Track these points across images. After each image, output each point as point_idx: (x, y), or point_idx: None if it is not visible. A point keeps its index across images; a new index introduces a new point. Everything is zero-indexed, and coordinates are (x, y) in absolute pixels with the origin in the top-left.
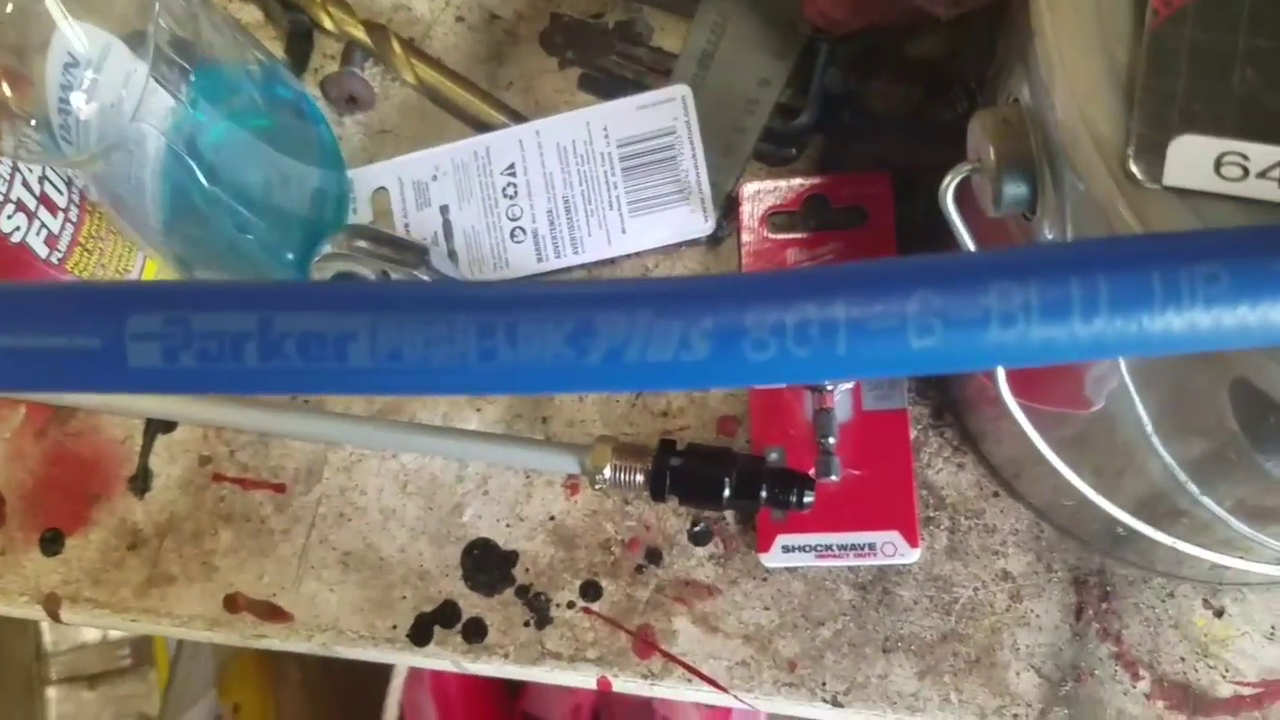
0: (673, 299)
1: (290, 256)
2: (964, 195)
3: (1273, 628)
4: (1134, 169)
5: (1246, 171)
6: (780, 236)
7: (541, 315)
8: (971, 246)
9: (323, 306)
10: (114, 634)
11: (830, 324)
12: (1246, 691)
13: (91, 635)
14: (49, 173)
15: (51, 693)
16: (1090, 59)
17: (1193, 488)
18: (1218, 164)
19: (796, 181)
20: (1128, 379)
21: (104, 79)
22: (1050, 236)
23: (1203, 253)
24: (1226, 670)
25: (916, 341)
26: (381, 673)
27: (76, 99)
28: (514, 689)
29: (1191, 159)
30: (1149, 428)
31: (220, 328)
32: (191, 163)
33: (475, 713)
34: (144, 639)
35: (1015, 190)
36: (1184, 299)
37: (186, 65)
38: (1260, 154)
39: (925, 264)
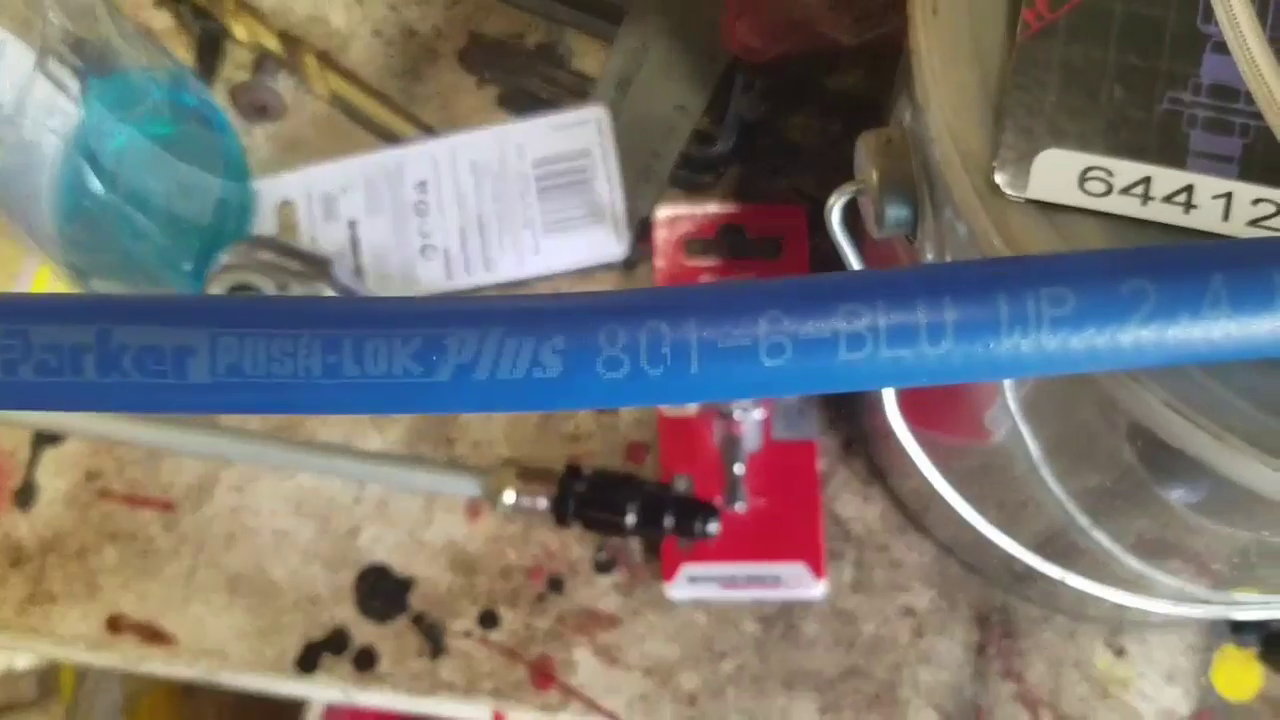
0: (525, 315)
1: (188, 267)
2: (855, 218)
3: (1171, 669)
4: (998, 181)
5: (1110, 187)
6: (695, 263)
7: (389, 330)
8: (857, 267)
9: (162, 319)
10: (19, 665)
11: (682, 343)
12: None
13: None
14: None
15: None
16: (961, 73)
17: (1083, 521)
18: (1082, 179)
19: (713, 209)
20: (1015, 410)
21: None
22: (930, 258)
23: (1050, 276)
24: (1126, 711)
25: (768, 361)
26: (298, 712)
27: None
28: None
29: (1056, 173)
30: (1037, 460)
31: (59, 340)
32: (87, 168)
33: None
34: (50, 671)
35: (896, 212)
36: (1030, 322)
37: (80, 64)
38: (1124, 170)
39: (777, 285)
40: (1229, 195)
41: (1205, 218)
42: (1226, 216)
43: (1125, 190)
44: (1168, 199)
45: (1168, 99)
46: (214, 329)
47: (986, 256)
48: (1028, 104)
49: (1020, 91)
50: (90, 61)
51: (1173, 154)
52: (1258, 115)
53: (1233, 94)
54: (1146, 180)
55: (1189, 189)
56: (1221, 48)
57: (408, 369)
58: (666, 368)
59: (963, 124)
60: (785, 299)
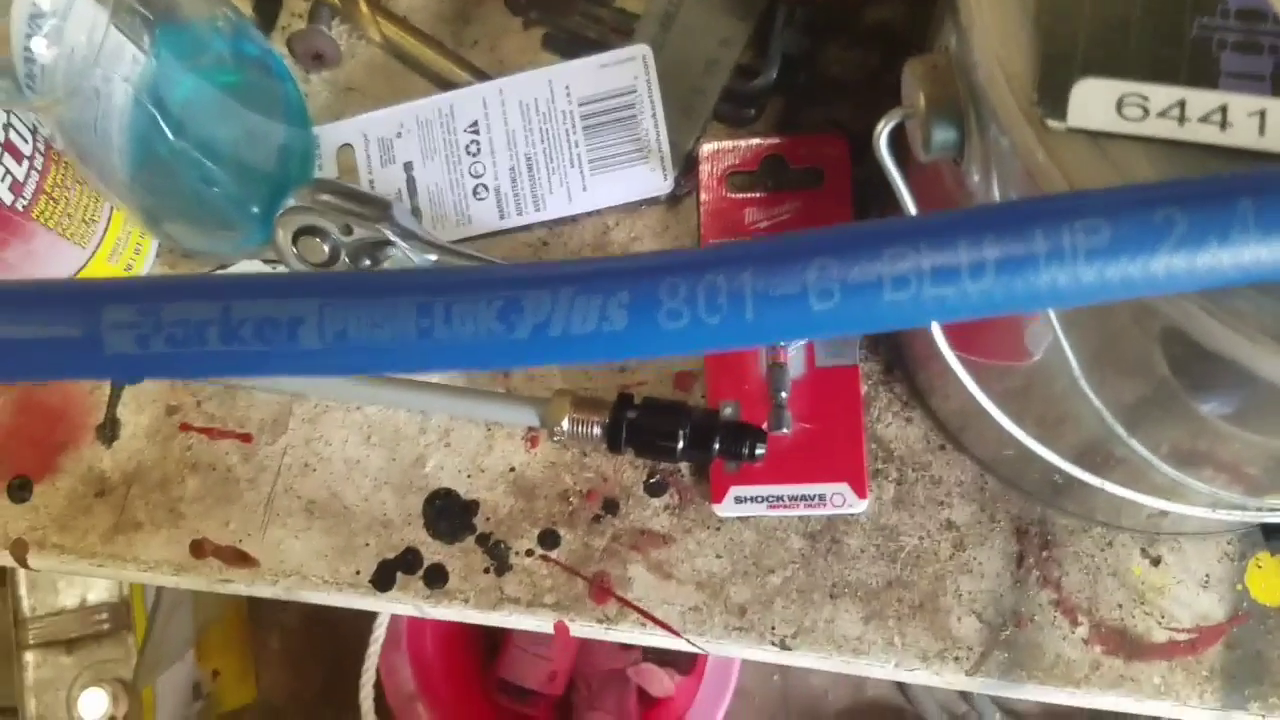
0: (592, 275)
1: (255, 210)
2: (900, 143)
3: (1207, 576)
4: (1039, 113)
5: (1147, 111)
6: (738, 196)
7: (474, 294)
8: (904, 189)
9: (276, 294)
10: (92, 598)
11: (737, 292)
12: (1181, 637)
13: (70, 600)
14: (14, 121)
15: (29, 657)
16: (1003, 2)
17: (1121, 430)
18: (1119, 105)
19: (755, 142)
20: (1057, 326)
21: (67, 25)
22: (977, 179)
23: (1083, 209)
24: (1162, 616)
25: (818, 305)
26: (360, 641)
27: (38, 44)
28: (490, 655)
29: (1094, 101)
30: (1078, 373)
31: (186, 315)
32: (157, 115)
33: (452, 678)
34: (122, 604)
35: (943, 135)
36: (1066, 255)
37: (149, 15)
38: (1159, 94)
39: (824, 234)
40: (1263, 112)
41: (1241, 134)
42: (1262, 131)
43: (1162, 114)
44: (1203, 119)
45: (1198, 25)
46: (322, 299)
47: (1034, 177)
48: (1061, 37)
49: (1053, 25)
50: (157, 12)
51: (1205, 76)
52: None
53: (1261, 16)
54: (1181, 103)
55: (1223, 108)
56: None
57: (491, 329)
58: (723, 317)
59: (1006, 47)
60: (832, 246)
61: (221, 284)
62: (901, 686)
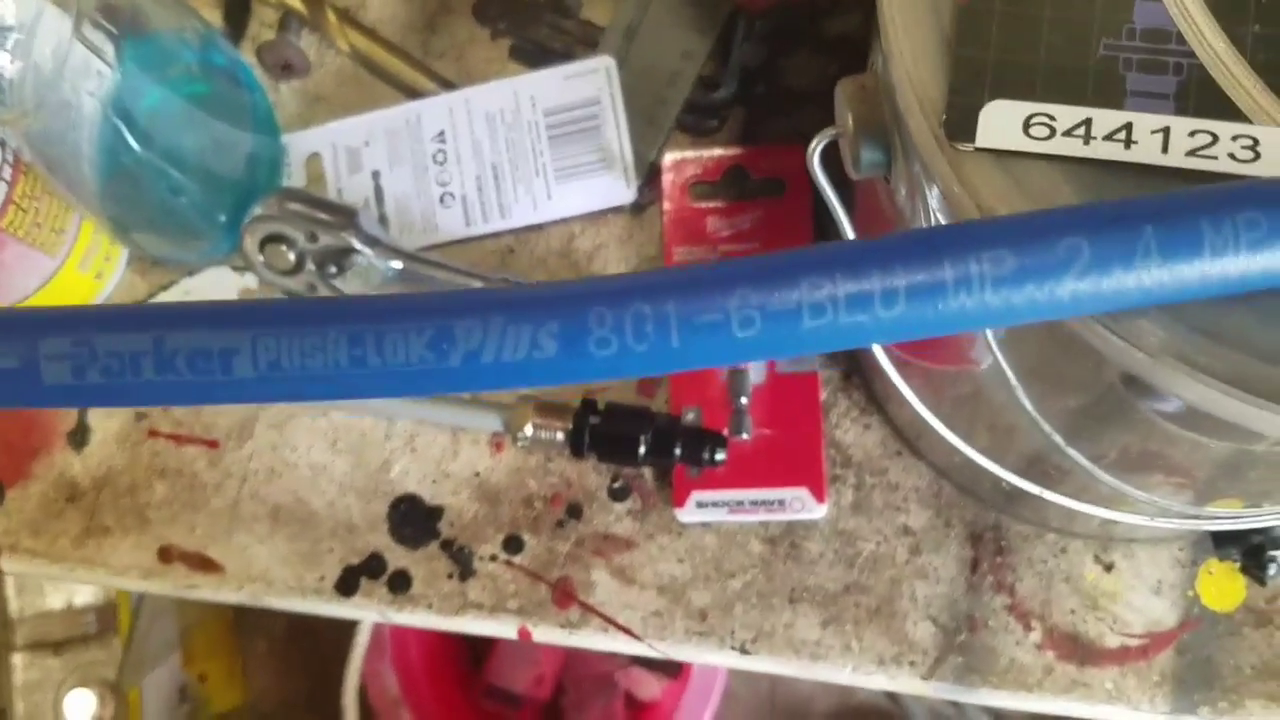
0: (522, 304)
1: (223, 219)
2: (837, 158)
3: (1159, 582)
4: (948, 134)
5: (1053, 131)
6: (701, 205)
7: (404, 324)
8: (837, 205)
9: (208, 325)
10: (79, 601)
11: (663, 320)
12: (1133, 643)
13: (57, 602)
14: None
15: (17, 659)
16: (921, 24)
17: (1059, 440)
18: (1026, 125)
19: (717, 152)
20: (993, 342)
21: (34, 40)
22: (904, 196)
23: (989, 239)
24: (1114, 622)
25: (740, 333)
26: (345, 645)
27: (3, 59)
28: (478, 660)
29: (1002, 122)
30: (1015, 384)
31: (120, 347)
32: (124, 127)
33: (437, 684)
34: (108, 606)
35: (871, 155)
36: (974, 283)
37: (114, 30)
38: (1065, 114)
39: (745, 264)
40: (1166, 129)
41: (1145, 152)
42: (1165, 149)
43: (1068, 132)
44: (1108, 137)
45: (1104, 45)
46: (254, 331)
47: (945, 198)
48: (972, 60)
49: (964, 49)
50: (123, 25)
51: (1111, 95)
52: (1190, 54)
53: (1165, 36)
54: (1087, 121)
55: (1128, 126)
56: None
57: (423, 357)
58: (650, 344)
59: (922, 73)
60: (752, 276)
61: (154, 314)
62: (889, 691)
